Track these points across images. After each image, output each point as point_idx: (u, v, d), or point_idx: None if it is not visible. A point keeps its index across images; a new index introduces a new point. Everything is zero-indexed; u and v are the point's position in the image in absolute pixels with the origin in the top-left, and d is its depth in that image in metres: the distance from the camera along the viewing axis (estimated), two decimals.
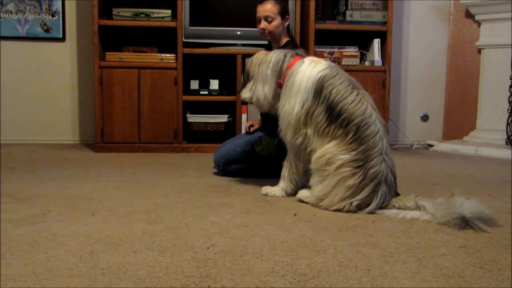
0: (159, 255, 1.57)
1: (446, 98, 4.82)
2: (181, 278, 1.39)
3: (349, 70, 4.07)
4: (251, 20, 4.16)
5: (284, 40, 2.95)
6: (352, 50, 4.21)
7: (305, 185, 2.38)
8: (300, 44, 4.13)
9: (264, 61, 2.42)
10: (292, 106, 2.27)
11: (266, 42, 3.16)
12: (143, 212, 2.11)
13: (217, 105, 4.19)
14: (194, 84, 4.14)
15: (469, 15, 4.56)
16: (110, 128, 3.99)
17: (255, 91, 2.44)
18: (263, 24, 2.88)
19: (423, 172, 3.26)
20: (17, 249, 1.61)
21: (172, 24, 4.00)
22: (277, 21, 2.87)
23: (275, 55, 2.42)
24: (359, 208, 2.12)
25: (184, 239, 1.74)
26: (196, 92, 4.11)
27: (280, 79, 2.38)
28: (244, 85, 2.51)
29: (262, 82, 2.41)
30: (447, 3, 4.72)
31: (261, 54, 2.49)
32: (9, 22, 4.33)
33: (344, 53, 4.18)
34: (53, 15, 4.38)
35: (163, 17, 4.02)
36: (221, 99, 4.12)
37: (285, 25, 2.92)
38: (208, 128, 4.11)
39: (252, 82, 2.45)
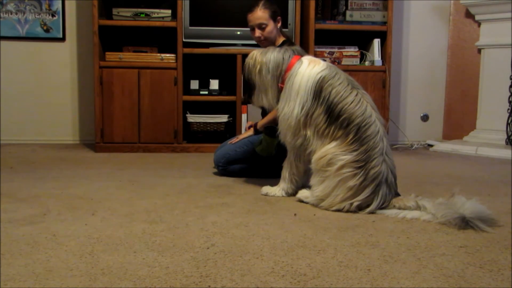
0: (159, 255, 1.57)
1: (446, 98, 4.82)
2: (181, 278, 1.39)
3: (349, 70, 4.09)
4: None
5: (280, 40, 2.95)
6: (352, 50, 4.21)
7: (305, 184, 2.38)
8: (300, 44, 4.13)
9: (262, 65, 2.39)
10: (291, 108, 2.26)
11: None
12: (143, 212, 2.11)
13: (217, 105, 4.19)
14: (194, 84, 4.15)
15: (469, 15, 4.56)
16: (110, 128, 3.99)
17: (260, 100, 2.43)
18: (257, 32, 2.87)
19: (423, 172, 3.26)
20: (17, 249, 1.61)
21: (172, 24, 4.00)
22: (270, 26, 2.87)
23: (273, 57, 2.39)
24: (360, 208, 2.12)
25: (184, 239, 1.74)
26: (196, 92, 4.11)
27: (280, 83, 2.38)
28: (249, 92, 2.48)
29: (264, 90, 2.40)
30: (447, 3, 4.72)
31: (256, 54, 2.44)
32: (9, 22, 4.33)
33: (344, 53, 4.18)
34: (53, 15, 4.38)
35: (163, 17, 4.02)
36: (221, 99, 4.12)
37: (278, 27, 2.92)
38: (208, 128, 4.11)
39: (256, 91, 2.44)
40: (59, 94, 4.47)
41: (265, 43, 2.92)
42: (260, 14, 2.85)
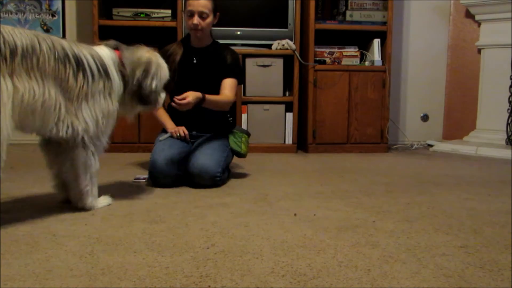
0: (159, 255, 1.56)
1: (446, 98, 4.82)
2: (181, 278, 1.39)
3: (349, 70, 4.10)
4: (251, 20, 4.18)
5: (208, 41, 2.92)
6: (352, 50, 4.21)
7: None
8: (300, 44, 4.13)
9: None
10: None
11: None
12: (143, 212, 2.11)
13: None
14: None
15: (469, 15, 4.56)
16: None
17: None
18: (196, 19, 2.74)
19: (423, 172, 3.26)
20: (17, 249, 1.61)
21: (172, 24, 4.00)
22: (210, 19, 2.78)
23: None
24: None
25: (184, 239, 1.74)
26: None
27: None
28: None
29: None
30: (447, 3, 4.72)
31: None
32: (9, 22, 4.33)
33: (344, 53, 4.18)
34: (53, 15, 4.38)
35: (163, 17, 4.02)
36: None
37: (213, 23, 2.86)
38: None
39: None
40: None
41: (200, 34, 2.81)
42: (204, 2, 2.73)
